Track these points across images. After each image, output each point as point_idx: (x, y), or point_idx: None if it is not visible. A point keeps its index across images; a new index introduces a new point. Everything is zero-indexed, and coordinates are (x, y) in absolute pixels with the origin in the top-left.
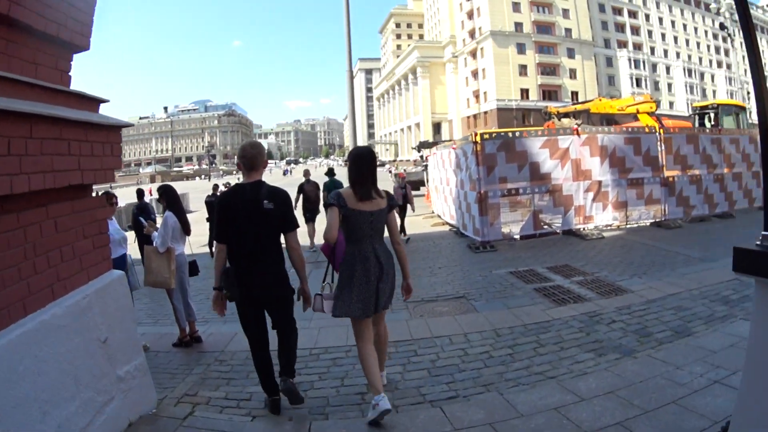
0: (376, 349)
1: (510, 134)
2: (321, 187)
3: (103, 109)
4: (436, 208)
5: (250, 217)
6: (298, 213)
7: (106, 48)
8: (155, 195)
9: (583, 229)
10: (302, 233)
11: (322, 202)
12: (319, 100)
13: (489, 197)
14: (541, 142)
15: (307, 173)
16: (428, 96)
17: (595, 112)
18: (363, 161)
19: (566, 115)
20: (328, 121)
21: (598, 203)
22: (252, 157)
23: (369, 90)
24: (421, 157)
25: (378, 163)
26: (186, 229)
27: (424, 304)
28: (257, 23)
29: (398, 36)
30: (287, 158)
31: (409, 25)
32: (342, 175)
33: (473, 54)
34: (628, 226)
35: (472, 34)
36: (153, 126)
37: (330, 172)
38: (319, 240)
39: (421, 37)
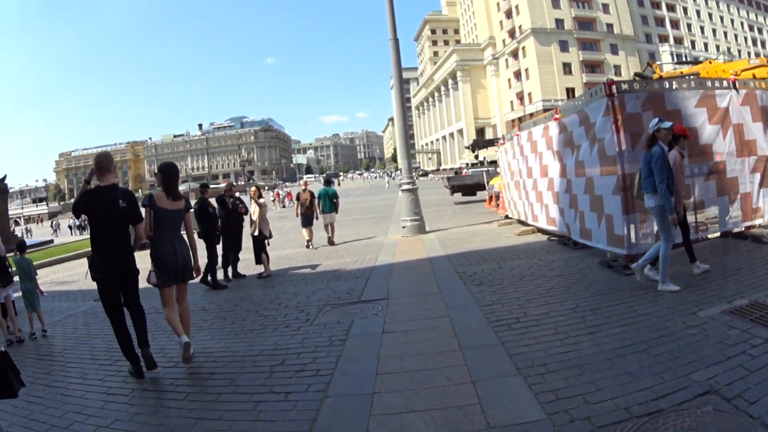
0: (181, 320)
1: (656, 84)
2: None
3: None
4: (517, 210)
5: (108, 213)
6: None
7: (141, 67)
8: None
9: (753, 227)
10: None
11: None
12: (355, 114)
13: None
14: (695, 98)
15: (305, 183)
16: (470, 101)
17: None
18: (170, 173)
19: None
20: (367, 134)
21: (766, 189)
22: (103, 164)
23: (407, 100)
24: (476, 156)
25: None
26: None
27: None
28: (289, 40)
29: (434, 42)
30: (327, 172)
31: (444, 31)
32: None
33: (514, 54)
34: None
35: (511, 33)
36: (188, 144)
37: (327, 182)
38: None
39: (457, 42)
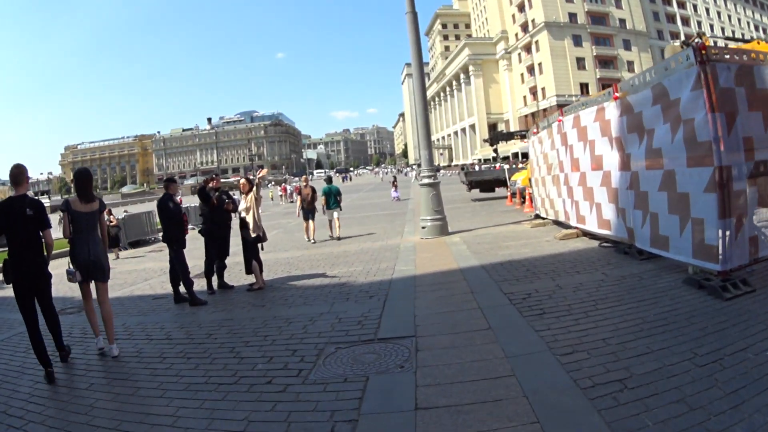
0: (104, 323)
1: (754, 55)
2: (320, 192)
3: None
4: (554, 209)
5: (17, 221)
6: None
7: (149, 60)
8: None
9: None
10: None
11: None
12: (365, 110)
13: (734, 178)
14: None
15: (306, 179)
16: (482, 96)
17: None
18: (82, 179)
19: None
20: (377, 129)
21: None
22: (16, 176)
23: None
24: (495, 150)
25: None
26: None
27: None
28: (299, 36)
29: (445, 37)
30: (337, 167)
31: (455, 26)
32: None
33: (527, 48)
34: None
35: (524, 27)
36: (197, 138)
37: (329, 180)
38: (318, 233)
39: (468, 36)
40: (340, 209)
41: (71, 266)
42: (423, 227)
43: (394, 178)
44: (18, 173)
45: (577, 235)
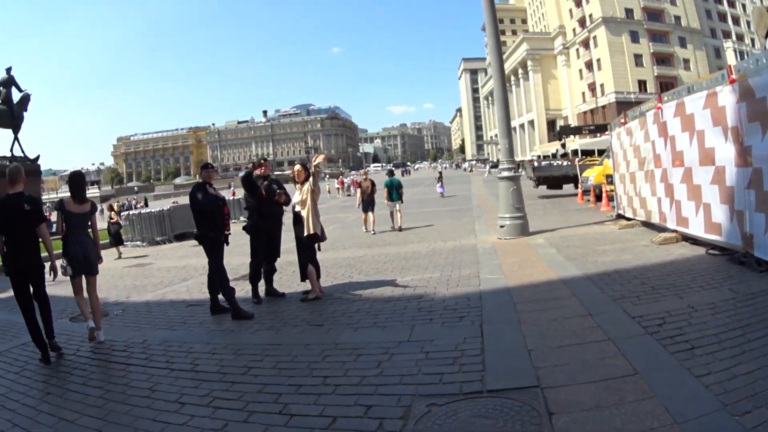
0: (93, 313)
1: None
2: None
3: None
4: (646, 210)
5: (16, 216)
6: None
7: (204, 54)
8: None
9: None
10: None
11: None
12: (422, 105)
13: None
14: None
15: (365, 173)
16: (541, 91)
17: None
18: (75, 181)
19: None
20: (434, 124)
21: None
22: (13, 176)
23: (475, 91)
24: (563, 145)
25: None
26: None
27: None
28: (354, 30)
29: (502, 32)
30: (394, 162)
31: (512, 21)
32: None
33: (585, 44)
34: None
35: (582, 22)
36: (252, 130)
37: (390, 173)
38: (378, 226)
39: (525, 32)
40: (402, 201)
41: (64, 262)
42: (501, 226)
43: (440, 173)
44: (16, 172)
45: (677, 240)
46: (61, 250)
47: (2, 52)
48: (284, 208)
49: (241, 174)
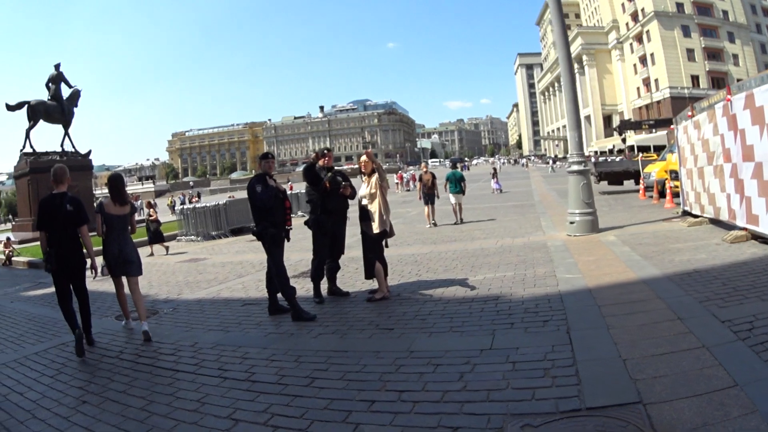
0: (136, 306)
1: None
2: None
3: None
4: (715, 206)
5: (57, 216)
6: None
7: (259, 50)
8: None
9: None
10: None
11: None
12: (479, 101)
13: None
14: None
15: (425, 166)
16: (596, 86)
17: None
18: (115, 184)
19: None
20: (491, 120)
21: None
22: (58, 176)
23: (531, 86)
24: (624, 140)
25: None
26: None
27: None
28: (409, 26)
29: None
30: (451, 157)
31: (566, 15)
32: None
33: (638, 38)
34: None
35: (634, 17)
36: (309, 125)
37: (453, 166)
38: (440, 219)
39: (579, 26)
40: (464, 194)
41: (103, 262)
42: (571, 222)
43: (494, 169)
44: (61, 173)
45: (747, 238)
46: (101, 249)
47: (62, 48)
48: (349, 201)
49: (303, 165)
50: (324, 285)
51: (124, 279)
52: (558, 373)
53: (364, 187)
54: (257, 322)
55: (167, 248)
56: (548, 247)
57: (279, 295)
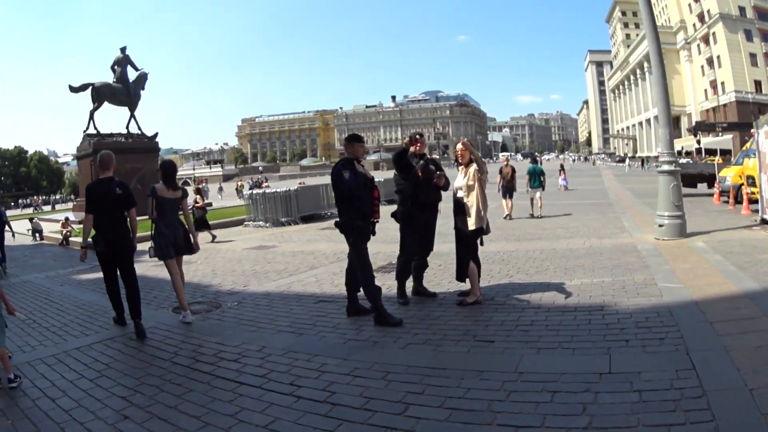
0: (176, 290)
1: None
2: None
3: None
4: None
5: (106, 200)
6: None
7: (331, 39)
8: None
9: None
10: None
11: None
12: (549, 96)
13: None
14: None
15: (507, 159)
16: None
17: None
18: (168, 169)
19: None
20: (561, 116)
21: None
22: (106, 162)
23: (601, 83)
24: (698, 141)
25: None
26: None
27: None
28: (480, 19)
29: (625, 25)
30: (522, 151)
31: (634, 13)
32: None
33: (705, 40)
34: None
35: (701, 18)
36: (380, 114)
37: (533, 160)
38: (516, 213)
39: None
40: (543, 189)
41: (153, 244)
42: (660, 225)
43: (561, 165)
44: (108, 159)
45: None
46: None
47: (135, 33)
48: (442, 193)
49: (396, 152)
50: (408, 284)
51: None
52: (689, 406)
53: (460, 178)
54: (334, 324)
55: (214, 236)
56: (639, 251)
57: (360, 293)
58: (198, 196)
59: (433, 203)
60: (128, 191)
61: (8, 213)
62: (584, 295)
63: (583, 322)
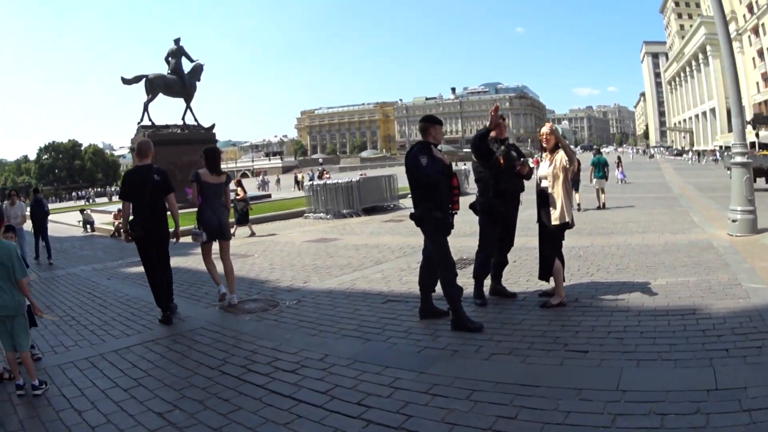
0: (226, 276)
1: None
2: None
3: None
4: None
5: (145, 186)
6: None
7: (390, 32)
8: None
9: None
10: None
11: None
12: (606, 88)
13: None
14: None
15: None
16: (720, 78)
17: None
18: (212, 155)
19: None
20: (619, 108)
21: None
22: (143, 150)
23: (657, 75)
24: (757, 135)
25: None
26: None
27: None
28: (537, 11)
29: (679, 15)
30: (581, 144)
31: (687, 4)
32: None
33: (755, 31)
34: None
35: (750, 8)
36: (440, 107)
37: (597, 151)
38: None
39: (700, 15)
40: (606, 180)
41: (198, 228)
42: (733, 220)
43: (618, 158)
44: (146, 147)
45: None
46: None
47: (195, 26)
48: (525, 182)
49: (475, 136)
50: (487, 284)
51: (215, 246)
52: None
53: (544, 166)
54: (406, 328)
55: (253, 232)
56: (716, 248)
57: (434, 293)
58: (239, 188)
59: (514, 193)
60: (165, 177)
61: (61, 205)
62: (673, 297)
63: (678, 329)
